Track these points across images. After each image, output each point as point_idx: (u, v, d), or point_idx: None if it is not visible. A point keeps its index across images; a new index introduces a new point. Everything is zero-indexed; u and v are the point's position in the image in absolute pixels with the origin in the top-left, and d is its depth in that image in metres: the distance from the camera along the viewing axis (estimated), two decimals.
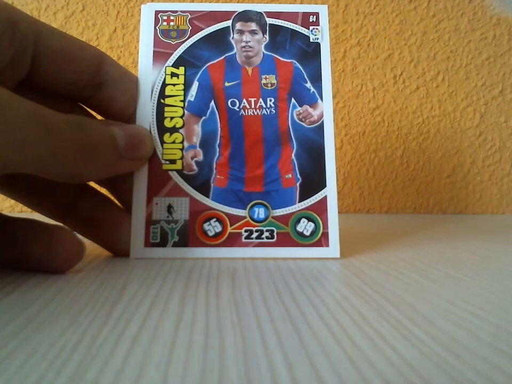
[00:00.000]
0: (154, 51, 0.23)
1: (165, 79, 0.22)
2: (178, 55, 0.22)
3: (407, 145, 0.49)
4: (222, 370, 0.09)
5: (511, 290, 0.16)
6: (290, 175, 0.22)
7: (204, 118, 0.22)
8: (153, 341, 0.11)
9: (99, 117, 0.22)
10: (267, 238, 0.21)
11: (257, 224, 0.21)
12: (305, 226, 0.21)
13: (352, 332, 0.12)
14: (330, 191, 0.22)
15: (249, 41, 0.23)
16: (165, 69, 0.22)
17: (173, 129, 0.22)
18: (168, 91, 0.22)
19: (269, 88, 0.22)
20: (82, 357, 0.10)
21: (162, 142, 0.22)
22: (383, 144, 0.49)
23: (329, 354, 0.10)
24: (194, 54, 0.23)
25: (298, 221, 0.21)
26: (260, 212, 0.21)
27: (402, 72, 0.49)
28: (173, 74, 0.22)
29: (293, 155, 0.22)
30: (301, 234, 0.21)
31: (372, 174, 0.49)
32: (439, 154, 0.49)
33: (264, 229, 0.21)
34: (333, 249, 0.21)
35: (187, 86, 0.22)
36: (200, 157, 0.22)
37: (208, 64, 0.22)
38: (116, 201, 0.22)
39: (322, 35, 0.23)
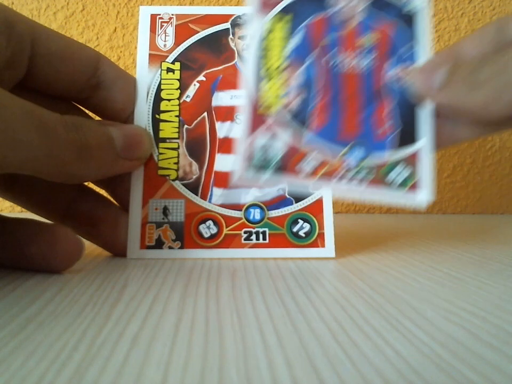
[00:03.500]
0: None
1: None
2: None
3: None
4: (222, 370, 0.09)
5: (511, 290, 0.16)
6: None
7: (302, 67, 0.21)
8: (153, 341, 0.11)
9: (97, 118, 0.22)
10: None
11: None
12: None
13: (352, 332, 0.12)
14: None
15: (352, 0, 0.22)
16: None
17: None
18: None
19: (367, 47, 0.22)
20: (82, 357, 0.10)
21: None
22: None
23: (329, 354, 0.10)
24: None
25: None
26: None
27: None
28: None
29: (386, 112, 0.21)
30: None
31: None
32: (439, 154, 0.49)
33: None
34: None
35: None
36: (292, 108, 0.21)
37: (308, 21, 0.22)
38: (114, 202, 0.22)
39: None
